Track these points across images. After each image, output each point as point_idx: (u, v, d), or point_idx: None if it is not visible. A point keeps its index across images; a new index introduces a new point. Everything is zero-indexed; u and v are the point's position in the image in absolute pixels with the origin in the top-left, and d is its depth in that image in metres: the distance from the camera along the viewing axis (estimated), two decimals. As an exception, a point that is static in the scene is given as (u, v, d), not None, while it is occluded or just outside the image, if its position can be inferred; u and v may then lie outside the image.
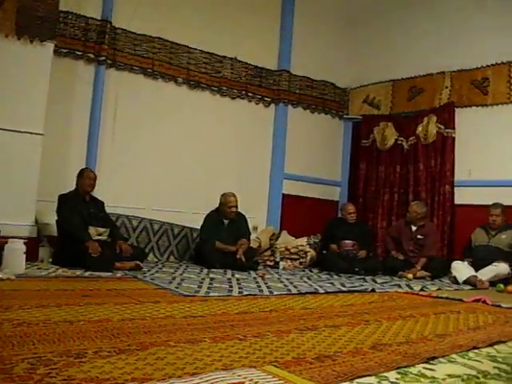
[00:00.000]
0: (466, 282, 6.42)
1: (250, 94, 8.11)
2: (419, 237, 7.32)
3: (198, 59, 7.56)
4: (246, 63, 8.03)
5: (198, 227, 6.95)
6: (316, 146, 8.85)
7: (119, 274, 5.18)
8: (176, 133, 7.35)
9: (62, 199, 5.74)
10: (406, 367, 2.32)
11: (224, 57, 7.79)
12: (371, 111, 9.00)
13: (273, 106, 8.40)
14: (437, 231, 7.60)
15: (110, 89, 6.85)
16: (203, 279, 5.22)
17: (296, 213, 8.32)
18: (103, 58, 6.72)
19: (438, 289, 5.86)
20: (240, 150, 7.97)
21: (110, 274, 5.16)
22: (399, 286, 5.80)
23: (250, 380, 1.93)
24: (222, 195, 6.88)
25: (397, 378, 2.15)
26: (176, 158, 7.34)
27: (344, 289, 5.23)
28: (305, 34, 8.59)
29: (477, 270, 6.57)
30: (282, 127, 8.40)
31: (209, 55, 7.66)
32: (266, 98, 8.30)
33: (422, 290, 5.63)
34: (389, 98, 8.82)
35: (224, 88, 7.81)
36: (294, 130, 8.50)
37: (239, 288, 4.75)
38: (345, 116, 9.24)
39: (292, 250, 7.51)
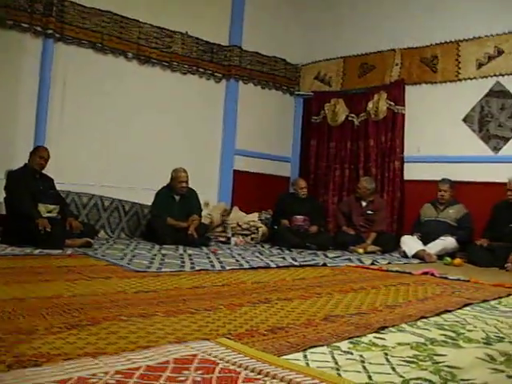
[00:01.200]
0: (415, 256, 6.56)
1: (200, 70, 8.04)
2: (369, 212, 7.44)
3: (148, 34, 7.45)
4: (197, 38, 7.95)
5: (149, 203, 6.91)
6: (267, 122, 8.84)
7: (69, 251, 5.12)
8: (126, 108, 7.25)
9: (11, 176, 5.63)
10: (357, 337, 2.37)
11: (175, 32, 7.69)
12: (322, 88, 9.03)
13: (224, 81, 8.36)
14: (386, 206, 7.72)
15: (59, 63, 6.69)
16: (155, 255, 5.20)
17: (247, 189, 8.33)
18: (51, 31, 6.54)
19: (388, 263, 5.97)
20: (191, 125, 7.91)
21: (60, 251, 5.09)
22: (350, 260, 5.89)
23: (204, 352, 1.94)
24: (173, 171, 6.85)
25: (349, 348, 2.19)
26: (126, 134, 7.25)
27: (295, 263, 5.29)
28: (256, 10, 8.54)
29: (425, 244, 6.73)
30: (233, 103, 8.37)
31: (159, 30, 7.55)
32: (217, 74, 8.25)
33: (372, 263, 5.73)
34: (340, 74, 8.85)
35: (175, 63, 7.72)
36: (245, 105, 8.48)
37: (191, 263, 4.75)
38: (296, 92, 9.24)
39: (243, 226, 7.54)
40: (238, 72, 8.37)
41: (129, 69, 7.30)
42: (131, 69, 7.33)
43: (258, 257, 5.69)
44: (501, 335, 2.61)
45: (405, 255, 6.67)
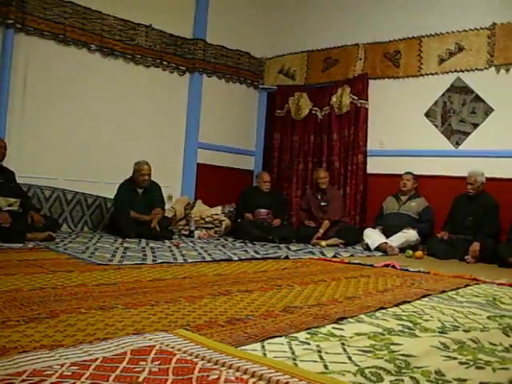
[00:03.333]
0: (377, 249, 6.62)
1: (164, 63, 7.97)
2: (323, 203, 7.52)
3: (111, 26, 7.35)
4: (161, 31, 7.87)
5: (112, 197, 6.86)
6: (231, 115, 8.82)
7: (31, 245, 5.05)
8: (88, 101, 7.16)
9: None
10: (315, 328, 2.39)
11: (138, 24, 7.61)
12: (286, 81, 9.04)
13: (187, 74, 8.30)
14: (339, 195, 7.80)
15: (20, 54, 6.56)
16: (117, 248, 5.17)
17: (211, 182, 8.31)
18: (11, 21, 6.42)
19: (351, 255, 6.03)
20: (154, 119, 7.85)
21: (21, 245, 5.02)
22: (313, 253, 5.93)
23: (161, 343, 1.95)
24: (136, 163, 6.79)
25: (306, 338, 2.21)
26: (89, 126, 7.16)
27: (258, 256, 5.31)
28: (221, 3, 8.49)
29: (388, 236, 6.80)
30: (197, 96, 8.33)
31: (123, 22, 7.46)
32: (181, 67, 8.19)
33: (334, 256, 5.78)
34: (304, 68, 8.87)
35: (138, 56, 7.65)
36: (209, 99, 8.44)
37: (153, 256, 4.75)
38: (260, 86, 9.24)
39: (207, 219, 7.53)
40: (202, 65, 8.32)
41: (92, 61, 7.20)
42: (94, 61, 7.23)
43: (220, 250, 5.69)
44: (456, 324, 2.66)
45: (367, 248, 6.73)
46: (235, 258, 5.04)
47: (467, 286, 4.05)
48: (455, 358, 2.05)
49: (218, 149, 8.49)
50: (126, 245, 5.57)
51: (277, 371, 1.69)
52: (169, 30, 7.95)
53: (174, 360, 1.77)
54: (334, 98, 8.33)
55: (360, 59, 8.18)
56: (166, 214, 7.00)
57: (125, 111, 7.49)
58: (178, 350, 1.88)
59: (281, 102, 8.97)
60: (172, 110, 8.13)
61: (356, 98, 8.13)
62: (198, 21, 8.31)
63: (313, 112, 8.61)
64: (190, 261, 4.61)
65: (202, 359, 1.79)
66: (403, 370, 1.86)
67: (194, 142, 8.24)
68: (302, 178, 8.60)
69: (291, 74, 8.99)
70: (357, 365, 1.89)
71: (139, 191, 6.83)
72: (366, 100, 8.10)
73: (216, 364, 1.75)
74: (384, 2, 8.02)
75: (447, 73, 7.41)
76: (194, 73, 8.28)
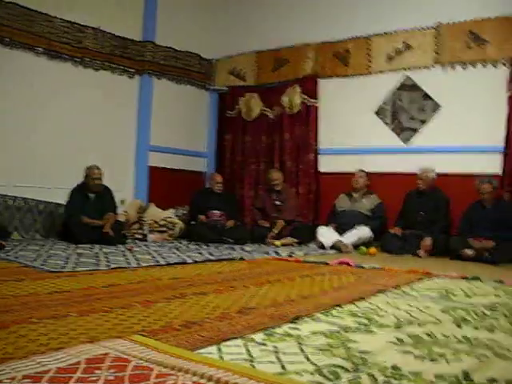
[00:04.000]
0: (331, 247, 6.67)
1: (113, 66, 7.87)
2: (277, 203, 7.55)
3: (58, 28, 7.21)
4: (110, 33, 7.76)
5: (64, 203, 6.74)
6: (182, 117, 8.77)
7: (-21, 255, 4.94)
8: (36, 106, 7.02)
9: None
10: (272, 328, 2.39)
11: (86, 27, 7.50)
12: (237, 82, 9.03)
13: (137, 77, 8.22)
14: (294, 195, 7.84)
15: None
16: (70, 255, 5.08)
17: (163, 185, 8.24)
18: (-46, 24, 6.28)
19: (305, 254, 6.05)
20: (104, 122, 7.74)
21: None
22: (267, 253, 5.94)
23: (116, 350, 1.92)
24: (86, 168, 6.69)
25: (263, 339, 2.21)
26: (37, 131, 7.01)
27: (212, 258, 5.29)
28: (169, 4, 8.43)
29: (341, 234, 6.85)
30: (147, 99, 8.25)
31: (70, 24, 7.32)
32: (130, 70, 8.10)
33: (289, 255, 5.79)
34: (254, 69, 8.87)
35: (87, 59, 7.53)
36: (160, 101, 8.37)
37: (107, 262, 4.68)
38: (210, 87, 9.21)
39: (160, 222, 7.47)
40: (152, 67, 8.25)
41: (38, 64, 7.06)
42: (41, 64, 7.09)
43: (174, 253, 5.65)
44: (410, 319, 2.69)
45: (321, 246, 6.78)
46: (189, 260, 5.01)
47: (421, 280, 4.11)
48: (411, 353, 2.07)
49: (169, 151, 8.43)
50: (79, 251, 5.48)
51: (234, 374, 1.68)
52: (117, 32, 7.85)
53: (130, 367, 1.74)
54: (284, 98, 8.36)
55: (310, 59, 8.23)
56: (118, 219, 6.91)
57: (74, 115, 7.37)
58: (134, 356, 1.86)
59: (231, 102, 8.96)
60: (122, 113, 8.03)
61: (306, 97, 8.18)
62: (147, 23, 8.24)
63: (264, 112, 8.63)
64: (144, 265, 4.56)
65: (159, 365, 1.77)
66: (360, 367, 1.87)
67: (145, 145, 8.17)
68: (255, 179, 8.60)
69: (241, 74, 8.99)
70: (314, 364, 1.89)
71: (91, 196, 6.73)
72: (317, 99, 8.15)
73: (173, 369, 1.73)
74: (332, 2, 8.07)
75: (396, 71, 7.52)
76: (144, 75, 8.20)
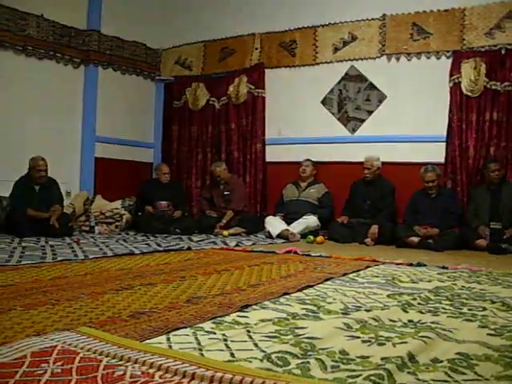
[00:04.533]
0: (279, 236, 6.71)
1: (58, 55, 7.69)
2: (225, 193, 7.57)
3: (-1, 15, 7.04)
4: (54, 22, 7.58)
5: (8, 195, 6.59)
6: (128, 107, 8.66)
7: None
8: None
9: None
10: (220, 317, 2.39)
11: (29, 14, 7.31)
12: (183, 72, 8.96)
13: (82, 67, 8.06)
14: (242, 185, 7.86)
15: None
16: (15, 248, 4.97)
17: (110, 176, 8.14)
18: None
19: (253, 244, 6.08)
20: (49, 113, 7.58)
21: None
22: (215, 243, 5.94)
23: (64, 342, 1.89)
24: (31, 159, 6.55)
25: (212, 328, 2.21)
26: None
27: (160, 248, 5.27)
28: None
29: (289, 223, 6.90)
30: (93, 89, 8.12)
31: (11, 11, 7.12)
32: (76, 59, 7.94)
33: (237, 245, 5.81)
34: (200, 58, 8.82)
35: (29, 48, 7.34)
36: (106, 91, 8.25)
37: (53, 254, 4.61)
38: (157, 77, 9.13)
39: (107, 214, 7.40)
40: (97, 57, 8.11)
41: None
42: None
43: (122, 244, 5.61)
44: (358, 305, 2.73)
45: (269, 236, 6.81)
46: (137, 251, 4.97)
47: (368, 267, 4.18)
48: (358, 337, 2.11)
49: (116, 142, 8.33)
50: (24, 244, 5.37)
51: (183, 362, 1.68)
52: (62, 20, 7.66)
53: (78, 359, 1.72)
54: (231, 88, 8.35)
55: (256, 49, 8.23)
56: (64, 211, 6.81)
57: (17, 105, 7.19)
58: (81, 348, 1.83)
59: (178, 93, 8.90)
60: (67, 103, 7.88)
61: (253, 87, 8.18)
62: (92, 11, 8.07)
63: (210, 102, 8.60)
64: (91, 257, 4.50)
65: (107, 356, 1.75)
66: (309, 353, 1.89)
67: (92, 136, 8.05)
68: (202, 169, 8.58)
69: (188, 64, 8.93)
70: (263, 351, 1.90)
71: (36, 188, 6.60)
72: (263, 89, 8.17)
73: (121, 360, 1.72)
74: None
75: (342, 61, 7.59)
76: (89, 65, 8.05)
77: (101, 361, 1.70)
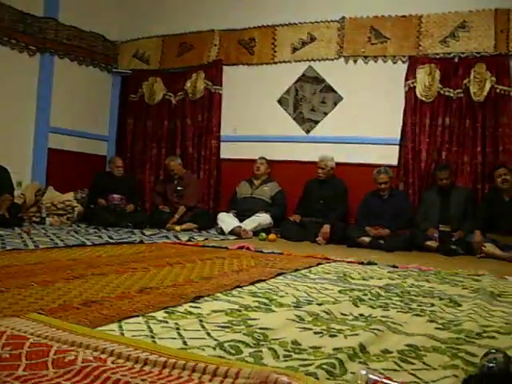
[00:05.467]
0: (231, 233, 6.72)
1: (12, 41, 7.50)
2: (179, 188, 7.54)
3: None
4: (9, 7, 7.38)
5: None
6: (84, 99, 8.53)
7: None
8: None
9: None
10: (173, 307, 2.39)
11: (-18, -2, 7.16)
12: (140, 66, 8.88)
13: (38, 55, 7.91)
14: (196, 181, 7.83)
15: None
16: (-38, 237, 4.88)
17: (63, 167, 8.01)
18: None
19: (205, 239, 6.08)
20: (1, 100, 7.44)
21: None
22: (167, 238, 5.92)
23: (12, 328, 1.86)
24: (-19, 148, 6.44)
25: (164, 317, 2.21)
26: None
27: (112, 241, 5.23)
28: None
29: (241, 220, 6.92)
30: (48, 78, 7.96)
31: (-38, -7, 6.97)
32: (31, 47, 7.77)
33: (189, 240, 5.79)
34: (158, 53, 8.76)
35: (-18, 33, 7.19)
36: (61, 82, 8.10)
37: (2, 243, 4.51)
38: (114, 70, 9.02)
39: (59, 206, 7.28)
40: (54, 46, 7.94)
41: None
42: None
43: (73, 236, 5.54)
44: (310, 299, 2.76)
45: (222, 232, 6.81)
46: (88, 243, 4.92)
47: (319, 264, 4.22)
48: (310, 329, 2.14)
49: (70, 133, 8.19)
50: (-29, 233, 5.26)
51: (136, 349, 1.68)
52: (17, 5, 7.47)
53: (27, 344, 1.70)
54: (188, 84, 8.31)
55: (215, 45, 8.22)
56: (15, 201, 6.68)
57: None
58: (31, 334, 1.81)
59: (134, 86, 8.82)
60: (21, 92, 7.70)
61: (210, 83, 8.17)
62: (50, -1, 7.93)
63: (166, 97, 8.54)
64: (41, 247, 4.44)
65: (58, 342, 1.74)
66: (261, 342, 1.91)
67: (45, 127, 7.90)
68: (156, 164, 8.52)
69: (146, 58, 8.86)
70: (216, 340, 1.92)
71: (-15, 177, 6.47)
72: (220, 86, 8.16)
73: (72, 345, 1.71)
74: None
75: (300, 61, 7.64)
76: (45, 53, 7.89)
77: (51, 346, 1.69)
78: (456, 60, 6.75)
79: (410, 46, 6.97)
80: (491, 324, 2.41)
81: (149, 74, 8.70)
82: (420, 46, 6.91)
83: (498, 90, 6.50)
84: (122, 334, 1.93)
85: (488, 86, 6.52)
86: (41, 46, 7.82)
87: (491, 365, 1.40)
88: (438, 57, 6.83)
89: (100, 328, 1.99)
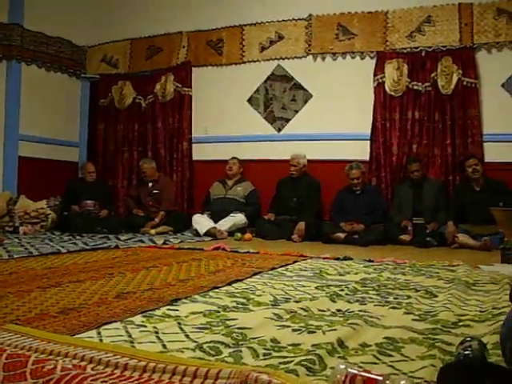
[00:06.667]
0: (206, 234, 6.71)
1: (-22, 49, 7.45)
2: (155, 191, 7.53)
3: None
4: (-28, 14, 7.35)
5: None
6: (53, 106, 8.45)
7: None
8: None
9: None
10: (151, 311, 2.39)
11: None
12: (109, 70, 8.83)
13: (5, 62, 7.81)
14: (172, 184, 7.84)
15: None
16: None
17: (34, 175, 7.92)
18: None
19: (181, 241, 6.06)
20: (-32, 110, 7.36)
21: None
22: (142, 242, 5.90)
23: (-10, 340, 1.84)
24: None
25: (142, 321, 2.21)
26: None
27: (87, 247, 5.19)
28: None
29: (216, 221, 6.92)
30: (16, 86, 7.87)
31: None
32: (-3, 55, 7.71)
33: (164, 243, 5.78)
34: (127, 56, 8.72)
35: None
36: (29, 89, 8.01)
37: (-26, 254, 4.47)
38: (82, 75, 8.95)
39: (32, 214, 7.22)
40: (20, 53, 7.84)
41: None
42: None
43: (48, 244, 5.48)
44: (287, 297, 2.78)
45: (197, 233, 6.81)
46: (64, 250, 4.88)
47: (295, 262, 4.24)
48: (288, 326, 2.15)
49: (40, 141, 8.10)
50: None
51: (115, 354, 1.68)
52: (-19, 13, 7.42)
53: (5, 356, 1.67)
54: (157, 86, 8.29)
55: (183, 47, 8.21)
56: (-14, 211, 6.62)
57: None
58: (8, 345, 1.79)
59: (104, 91, 8.76)
60: (-12, 100, 7.64)
61: (180, 85, 8.16)
62: (14, 5, 7.81)
63: (137, 100, 8.51)
64: (16, 256, 4.39)
65: (35, 351, 1.73)
66: (240, 342, 1.92)
67: (15, 135, 7.81)
68: (128, 168, 8.48)
69: (114, 62, 8.82)
70: (195, 341, 1.92)
71: (-45, 187, 6.40)
72: (190, 88, 8.16)
73: (51, 354, 1.70)
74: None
75: (268, 60, 7.66)
76: (12, 61, 7.79)
77: (29, 356, 1.67)
78: (423, 54, 6.82)
79: (378, 42, 7.03)
80: (466, 313, 2.45)
81: (118, 78, 8.65)
82: (387, 41, 6.98)
83: (464, 83, 6.60)
84: (101, 341, 1.93)
85: (455, 78, 6.61)
86: (7, 54, 7.72)
87: (467, 352, 1.42)
88: (405, 51, 6.90)
89: (78, 335, 1.98)
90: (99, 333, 2.03)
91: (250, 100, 7.76)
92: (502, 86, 6.50)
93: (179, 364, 1.55)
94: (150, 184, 7.56)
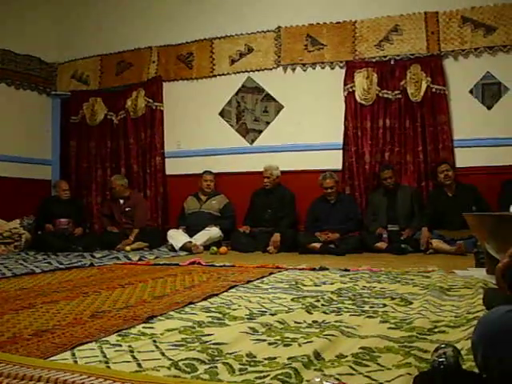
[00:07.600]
0: (182, 249, 6.67)
1: None
2: (127, 209, 7.47)
3: None
4: None
5: None
6: (24, 124, 8.37)
7: None
8: None
9: None
10: (126, 329, 2.36)
11: None
12: (80, 87, 8.78)
13: (-28, 82, 7.78)
14: (144, 201, 7.81)
15: None
16: None
17: (7, 195, 7.82)
18: None
19: (156, 257, 6.03)
20: None
21: None
22: (118, 259, 5.85)
23: (-40, 366, 1.81)
24: None
25: (117, 340, 2.18)
26: None
27: (62, 266, 5.12)
28: (4, 5, 8.03)
29: (191, 235, 6.89)
30: (-14, 105, 7.83)
31: None
32: (-36, 74, 7.64)
33: (140, 259, 5.74)
34: (97, 72, 8.69)
35: None
36: (-1, 108, 7.98)
37: None
38: (53, 92, 8.89)
39: (5, 234, 7.13)
40: (-12, 72, 7.82)
41: None
42: None
43: (22, 264, 5.40)
44: (263, 310, 2.77)
45: (172, 249, 6.77)
46: (38, 270, 4.82)
47: (271, 274, 4.23)
48: (264, 340, 2.14)
49: (12, 160, 8.02)
50: None
51: (89, 376, 1.66)
52: None
53: (-25, 382, 1.65)
54: (129, 102, 8.27)
55: (153, 62, 8.21)
56: (-43, 233, 6.53)
57: None
58: (-20, 372, 1.76)
59: (75, 108, 8.71)
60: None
61: (151, 100, 8.15)
62: (-21, 23, 7.77)
63: (108, 117, 8.48)
64: (-12, 278, 4.33)
65: (7, 377, 1.69)
66: (216, 358, 1.90)
67: (-15, 154, 7.75)
68: (102, 185, 8.43)
69: (84, 78, 8.78)
70: (170, 359, 1.90)
71: None
72: (161, 102, 8.15)
73: (23, 379, 1.67)
74: (174, 5, 8.08)
75: (239, 73, 7.69)
76: (-21, 79, 7.75)
77: (1, 382, 1.65)
78: (392, 62, 6.91)
79: (347, 52, 7.10)
80: (442, 319, 2.47)
81: (89, 95, 8.62)
82: (356, 50, 7.05)
83: (433, 90, 6.69)
84: (76, 362, 1.90)
85: (424, 86, 6.70)
86: (-26, 73, 7.65)
87: (441, 359, 1.43)
88: (374, 60, 6.98)
89: (52, 358, 1.95)
90: (73, 354, 1.99)
91: (221, 113, 7.78)
92: (470, 92, 6.60)
93: (154, 383, 1.54)
94: (122, 201, 7.51)
